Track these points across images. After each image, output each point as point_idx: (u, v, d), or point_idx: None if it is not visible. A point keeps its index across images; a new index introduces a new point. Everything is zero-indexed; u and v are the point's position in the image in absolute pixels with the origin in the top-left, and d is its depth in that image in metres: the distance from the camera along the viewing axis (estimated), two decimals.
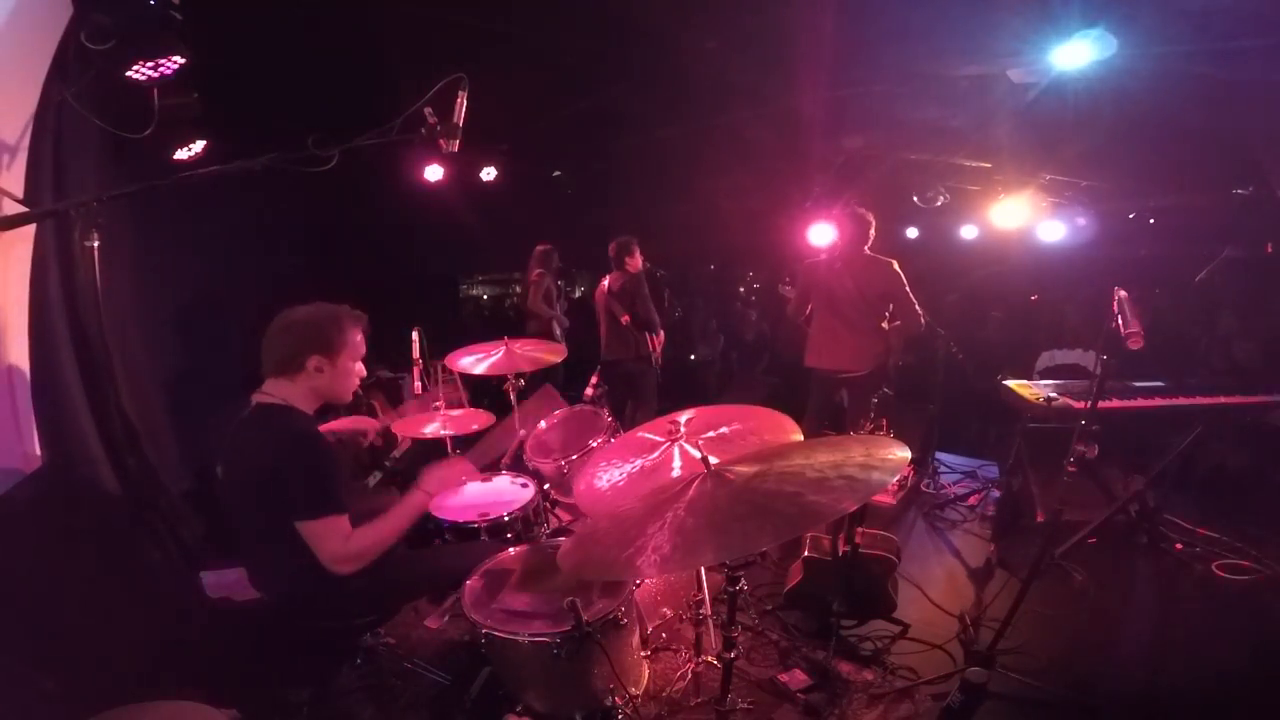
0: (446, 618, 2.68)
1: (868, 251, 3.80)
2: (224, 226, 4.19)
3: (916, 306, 3.74)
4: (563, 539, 2.06)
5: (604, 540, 1.49)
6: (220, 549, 3.02)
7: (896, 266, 3.73)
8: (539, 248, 5.54)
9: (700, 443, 1.74)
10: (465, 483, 2.09)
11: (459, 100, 1.88)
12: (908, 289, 3.72)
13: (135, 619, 2.29)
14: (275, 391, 1.88)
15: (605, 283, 4.85)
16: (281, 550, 1.80)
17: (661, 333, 4.91)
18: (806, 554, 2.68)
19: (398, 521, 1.91)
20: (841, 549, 2.52)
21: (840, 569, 2.53)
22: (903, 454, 1.45)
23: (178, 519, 2.96)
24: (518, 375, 3.30)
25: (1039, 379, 3.68)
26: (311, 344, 1.86)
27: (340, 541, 1.78)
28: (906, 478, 4.19)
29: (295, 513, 1.74)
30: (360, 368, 2.00)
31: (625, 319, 4.69)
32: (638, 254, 4.77)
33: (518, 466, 3.08)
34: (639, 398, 4.84)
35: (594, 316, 5.09)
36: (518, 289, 8.13)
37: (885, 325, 3.81)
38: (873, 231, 3.77)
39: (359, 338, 1.96)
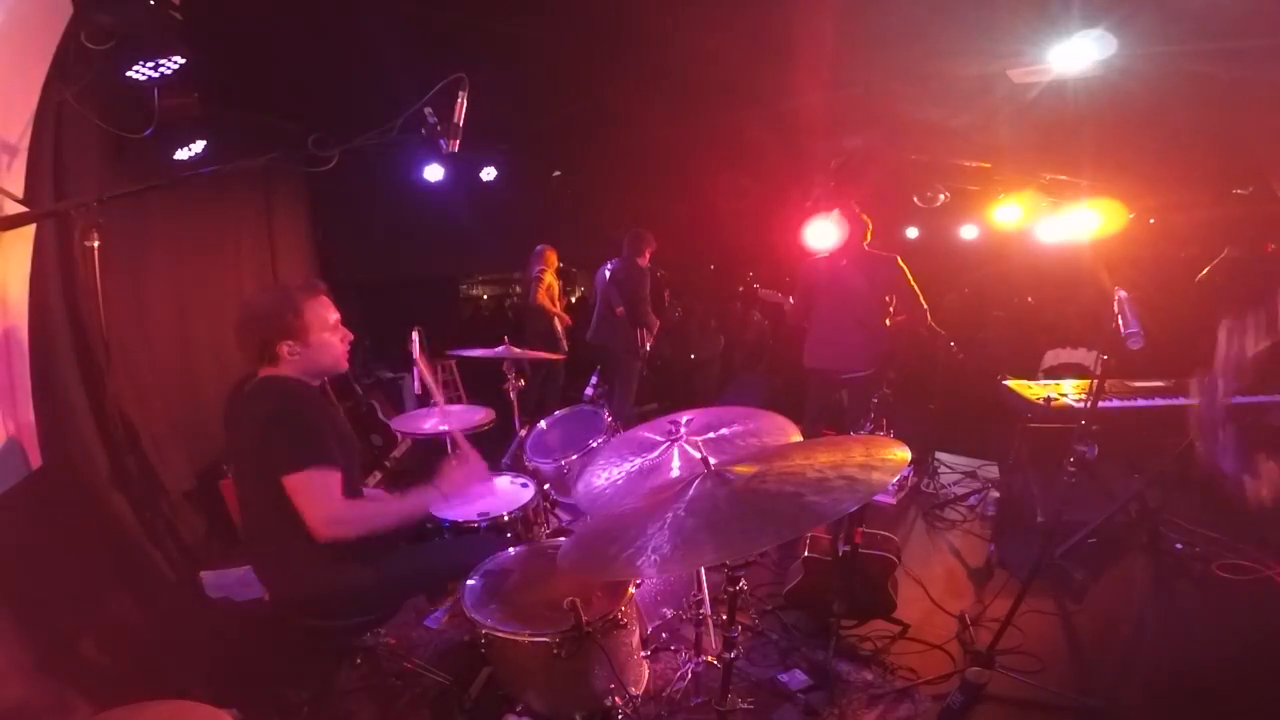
0: (446, 618, 2.69)
1: (869, 248, 3.80)
2: (224, 227, 4.19)
3: (922, 302, 3.74)
4: (563, 539, 2.06)
5: (604, 540, 1.49)
6: (220, 549, 3.03)
7: (901, 262, 3.73)
8: (538, 247, 5.54)
9: (700, 443, 1.74)
10: (479, 485, 2.14)
11: (459, 100, 1.88)
12: (913, 284, 3.72)
13: (135, 619, 2.30)
14: (272, 371, 1.90)
15: (608, 270, 4.86)
16: (290, 539, 1.80)
17: (656, 321, 4.93)
18: (806, 554, 2.68)
19: (401, 509, 1.92)
20: (841, 549, 2.52)
21: (840, 569, 2.53)
22: (903, 454, 1.45)
23: (178, 519, 2.97)
24: (519, 375, 3.30)
25: (1043, 378, 3.68)
26: (275, 332, 1.86)
27: (326, 499, 1.74)
28: (906, 478, 4.19)
29: (280, 466, 1.72)
30: (345, 334, 1.99)
31: (620, 311, 4.71)
32: (647, 250, 4.78)
33: (518, 466, 3.09)
34: (620, 386, 4.87)
35: (592, 313, 5.12)
36: (518, 289, 8.12)
37: (889, 323, 3.81)
38: (869, 233, 3.78)
39: (324, 305, 1.94)
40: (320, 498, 1.74)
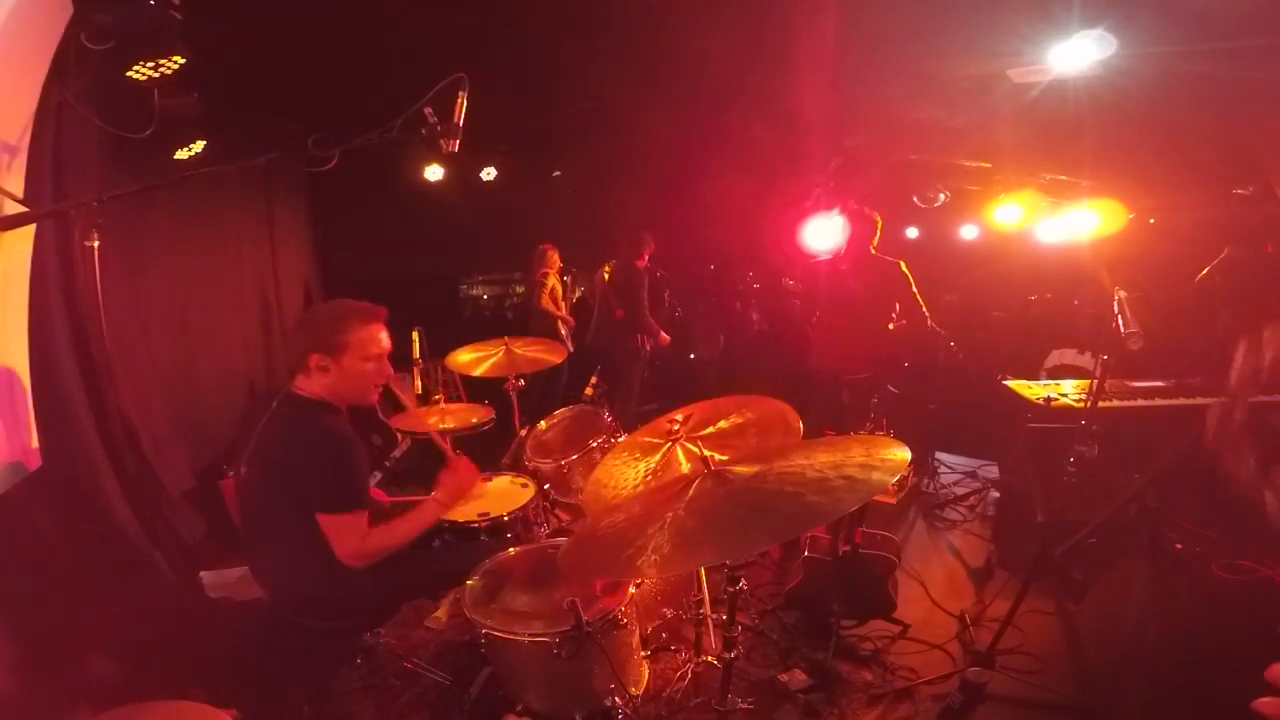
0: (446, 618, 2.69)
1: (874, 252, 3.79)
2: (224, 226, 4.19)
3: (923, 308, 3.73)
4: (563, 539, 2.06)
5: (604, 540, 1.49)
6: (220, 549, 3.02)
7: (904, 267, 3.71)
8: (540, 247, 5.54)
9: (700, 439, 1.74)
10: (478, 491, 2.18)
11: (459, 100, 1.88)
12: (915, 290, 3.71)
13: (135, 619, 2.29)
14: (302, 386, 1.90)
15: (606, 272, 4.86)
16: (295, 548, 1.82)
17: (664, 336, 4.93)
18: (806, 554, 2.68)
19: (410, 528, 1.96)
20: (841, 549, 2.52)
21: (840, 569, 2.53)
22: (903, 454, 1.45)
23: (178, 519, 2.97)
24: (518, 375, 3.31)
25: (1045, 377, 3.68)
26: (310, 342, 1.87)
27: (358, 538, 1.82)
28: (906, 478, 4.19)
29: (320, 505, 1.77)
30: (385, 369, 1.96)
31: (619, 313, 4.72)
32: (645, 252, 4.78)
33: (518, 466, 3.09)
34: (621, 389, 4.87)
35: (593, 312, 5.12)
36: (518, 289, 8.11)
37: (891, 326, 3.80)
38: (879, 232, 3.76)
39: (372, 335, 1.91)
40: (353, 536, 1.82)
